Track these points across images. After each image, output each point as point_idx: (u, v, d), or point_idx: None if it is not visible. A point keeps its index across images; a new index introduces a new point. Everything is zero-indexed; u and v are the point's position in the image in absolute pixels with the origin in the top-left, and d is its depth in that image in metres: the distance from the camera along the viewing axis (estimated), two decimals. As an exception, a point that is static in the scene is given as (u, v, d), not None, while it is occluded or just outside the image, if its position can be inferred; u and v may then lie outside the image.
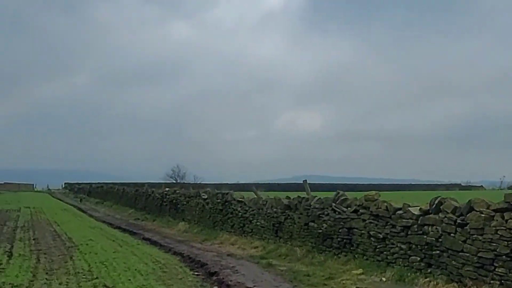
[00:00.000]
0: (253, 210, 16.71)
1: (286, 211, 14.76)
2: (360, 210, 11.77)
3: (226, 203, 18.71)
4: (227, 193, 19.25)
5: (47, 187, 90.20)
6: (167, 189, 27.22)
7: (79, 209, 35.99)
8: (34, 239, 16.39)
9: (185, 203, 23.20)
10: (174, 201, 24.77)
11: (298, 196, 14.50)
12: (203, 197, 21.06)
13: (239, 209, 17.67)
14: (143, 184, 40.64)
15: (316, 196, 13.97)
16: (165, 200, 26.24)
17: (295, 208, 14.39)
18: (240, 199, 17.96)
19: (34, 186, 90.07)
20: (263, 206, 16.18)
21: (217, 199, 19.49)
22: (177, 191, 25.02)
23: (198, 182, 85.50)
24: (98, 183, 61.64)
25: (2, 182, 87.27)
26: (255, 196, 17.42)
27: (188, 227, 21.18)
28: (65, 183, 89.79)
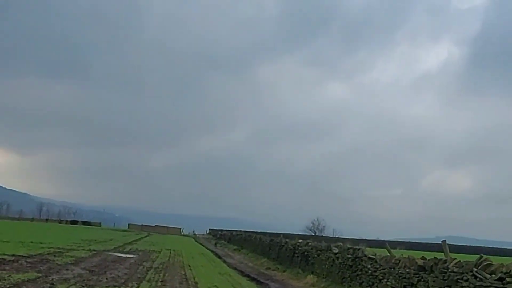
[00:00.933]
0: (384, 269, 15.40)
1: (420, 273, 13.27)
2: (507, 279, 10.03)
3: (356, 259, 17.58)
4: (358, 249, 18.13)
5: (193, 231, 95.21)
6: (300, 241, 26.68)
7: (216, 254, 36.94)
8: (161, 281, 16.86)
9: (315, 256, 22.41)
10: (305, 253, 24.10)
11: (435, 257, 12.99)
12: (333, 251, 20.12)
13: (369, 266, 16.44)
14: (280, 235, 40.66)
15: (456, 259, 12.36)
16: (297, 251, 25.69)
17: (430, 270, 12.87)
18: (372, 256, 16.74)
19: (182, 230, 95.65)
20: (395, 265, 14.82)
21: (348, 254, 18.44)
22: (309, 244, 24.34)
23: (336, 236, 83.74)
24: (239, 230, 63.25)
25: (153, 225, 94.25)
26: (388, 254, 16.10)
27: (316, 281, 20.29)
28: (209, 229, 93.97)
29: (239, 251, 43.49)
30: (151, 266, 22.63)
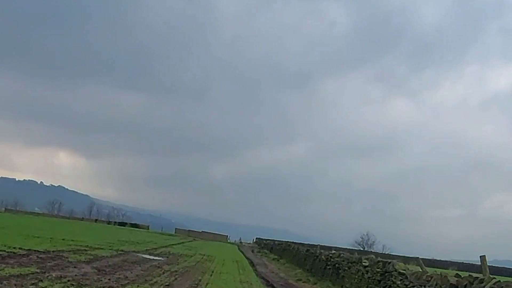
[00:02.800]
0: (413, 286, 13.33)
1: (452, 293, 11.21)
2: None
3: (386, 274, 15.54)
4: (389, 263, 16.06)
5: (240, 239, 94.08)
6: (333, 251, 24.68)
7: (251, 262, 35.38)
8: (167, 285, 15.50)
9: (346, 268, 20.42)
10: (336, 265, 22.13)
11: (470, 275, 10.90)
12: (363, 264, 18.11)
13: (398, 282, 14.39)
14: (323, 247, 38.58)
15: (495, 278, 10.23)
16: (329, 263, 23.73)
17: (464, 290, 10.80)
18: (402, 271, 14.67)
19: (228, 238, 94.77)
20: (426, 282, 12.74)
21: (377, 268, 16.41)
22: (342, 255, 22.33)
23: (386, 253, 79.94)
24: (282, 240, 61.38)
25: (200, 231, 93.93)
26: (421, 270, 14.00)
27: (343, 297, 18.35)
28: (256, 238, 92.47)
29: (278, 260, 41.72)
30: (171, 269, 21.38)
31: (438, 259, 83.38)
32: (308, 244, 51.88)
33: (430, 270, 15.09)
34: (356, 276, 18.46)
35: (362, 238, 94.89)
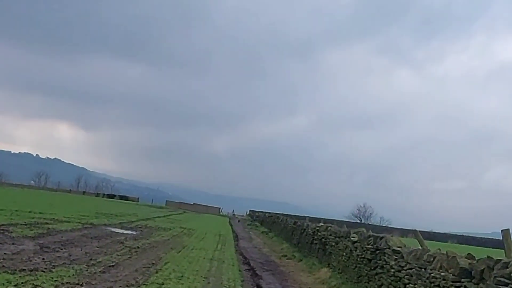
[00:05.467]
0: (411, 268, 10.60)
1: (462, 280, 8.46)
2: None
3: (378, 252, 12.83)
4: (381, 238, 13.31)
5: (232, 212, 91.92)
6: (320, 224, 22.01)
7: (236, 236, 32.88)
8: (112, 266, 12.77)
9: (333, 244, 17.76)
10: (323, 239, 19.50)
11: (488, 257, 8.09)
12: (352, 239, 15.40)
13: (392, 262, 11.67)
14: (312, 219, 36.02)
15: (522, 261, 7.46)
16: (315, 237, 21.11)
17: (480, 277, 8.02)
18: (397, 248, 11.90)
19: (221, 210, 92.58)
20: (427, 264, 10.01)
21: (367, 244, 13.69)
22: (329, 228, 19.63)
23: (383, 225, 77.91)
24: (273, 213, 58.99)
25: (192, 203, 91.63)
26: (420, 247, 11.25)
27: (329, 276, 15.71)
28: (249, 211, 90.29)
29: (267, 234, 39.28)
30: (134, 245, 18.73)
31: (437, 231, 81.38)
32: (298, 216, 49.44)
33: (428, 245, 12.46)
34: (344, 253, 15.80)
35: (359, 210, 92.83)
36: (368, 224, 78.11)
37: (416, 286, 10.10)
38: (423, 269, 10.04)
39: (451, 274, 8.77)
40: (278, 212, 67.17)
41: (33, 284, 9.02)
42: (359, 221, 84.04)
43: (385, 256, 12.22)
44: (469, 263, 8.45)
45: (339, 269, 15.90)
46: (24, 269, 10.49)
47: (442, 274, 9.10)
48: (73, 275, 10.56)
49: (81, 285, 9.64)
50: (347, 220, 79.45)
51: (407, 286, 10.53)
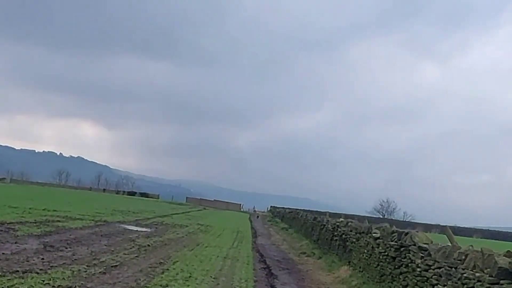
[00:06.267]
0: (439, 268, 9.50)
1: (501, 282, 7.35)
2: None
3: (402, 249, 11.72)
4: (406, 233, 12.18)
5: (253, 208, 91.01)
6: (340, 219, 20.91)
7: (254, 233, 31.95)
8: (115, 266, 11.92)
9: (354, 240, 16.67)
10: (343, 236, 18.43)
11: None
12: (374, 235, 14.29)
13: (418, 261, 10.56)
14: (332, 214, 34.90)
15: None
16: (335, 233, 20.04)
17: (523, 279, 6.93)
18: (424, 245, 10.77)
19: (241, 206, 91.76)
20: (458, 263, 8.91)
21: (391, 241, 12.59)
22: (350, 224, 18.52)
23: (407, 220, 76.14)
24: (294, 208, 57.89)
25: (212, 200, 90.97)
26: (450, 244, 10.14)
27: (349, 275, 14.66)
28: (270, 206, 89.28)
29: (287, 230, 38.27)
30: (145, 243, 17.93)
31: (462, 226, 79.24)
32: (318, 211, 48.20)
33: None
34: (365, 251, 14.71)
35: (382, 204, 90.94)
36: (391, 219, 76.46)
37: (446, 286, 9.01)
38: (453, 269, 8.94)
39: (487, 275, 7.67)
40: (299, 208, 66.00)
41: (18, 288, 8.19)
42: (381, 216, 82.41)
43: (410, 253, 11.12)
44: (510, 262, 7.33)
45: (360, 268, 14.83)
46: (17, 271, 9.71)
47: (477, 274, 8.00)
48: (69, 277, 9.74)
49: (74, 288, 8.80)
50: (369, 215, 77.89)
51: (435, 287, 9.44)
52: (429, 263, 9.97)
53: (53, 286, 8.72)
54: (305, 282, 13.59)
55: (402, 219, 79.94)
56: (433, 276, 9.62)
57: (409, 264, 10.95)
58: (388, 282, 11.99)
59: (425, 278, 9.94)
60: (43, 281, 8.97)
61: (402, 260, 11.42)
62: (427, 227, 63.09)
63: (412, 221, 76.59)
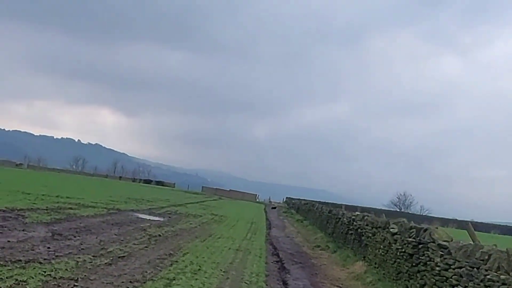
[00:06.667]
0: (460, 267, 8.96)
1: (529, 286, 6.82)
2: None
3: (420, 246, 11.18)
4: (425, 230, 11.64)
5: (269, 199, 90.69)
6: (356, 213, 20.37)
7: (269, 224, 31.57)
8: (122, 256, 11.57)
9: (370, 235, 16.14)
10: (359, 230, 17.90)
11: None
12: (391, 230, 13.75)
13: (437, 259, 10.03)
14: (354, 207, 34.34)
15: None
16: (351, 227, 19.52)
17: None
18: (443, 243, 10.22)
19: (257, 197, 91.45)
20: (480, 263, 8.38)
21: (409, 237, 12.05)
22: (366, 217, 17.98)
23: (423, 214, 75.08)
24: (309, 200, 57.35)
25: (228, 189, 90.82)
26: (471, 241, 9.58)
27: (364, 271, 14.16)
28: (286, 198, 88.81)
29: (302, 222, 37.81)
30: (157, 232, 17.63)
31: (479, 221, 77.83)
32: (334, 204, 47.52)
33: (466, 235, 10.76)
34: (382, 246, 14.18)
35: (399, 198, 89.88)
36: (408, 213, 75.49)
37: (467, 288, 8.48)
38: (475, 269, 8.41)
39: (513, 278, 7.14)
40: (314, 200, 65.40)
41: (16, 279, 7.87)
42: (398, 210, 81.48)
43: (429, 251, 10.58)
44: (539, 266, 6.79)
45: (375, 264, 14.33)
46: (20, 260, 9.43)
47: (502, 277, 7.47)
48: (72, 268, 9.42)
49: (76, 280, 8.46)
50: (386, 208, 77.00)
51: (455, 287, 8.91)
52: (449, 262, 9.44)
53: (54, 277, 8.39)
54: (317, 278, 13.14)
55: (418, 213, 79.02)
56: (453, 276, 9.09)
57: (428, 262, 10.42)
58: (405, 280, 11.48)
59: (445, 278, 9.42)
60: (45, 272, 8.65)
61: (420, 257, 10.89)
62: (444, 222, 61.98)
63: (429, 215, 75.51)
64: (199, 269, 11.31)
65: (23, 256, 9.99)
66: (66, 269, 9.18)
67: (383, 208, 75.68)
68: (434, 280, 9.84)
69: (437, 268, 9.83)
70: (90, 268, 9.62)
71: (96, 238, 14.22)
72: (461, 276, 8.80)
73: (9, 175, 47.01)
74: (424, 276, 10.41)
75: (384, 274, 13.09)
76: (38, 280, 8.03)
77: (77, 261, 10.06)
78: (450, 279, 9.18)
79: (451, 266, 9.29)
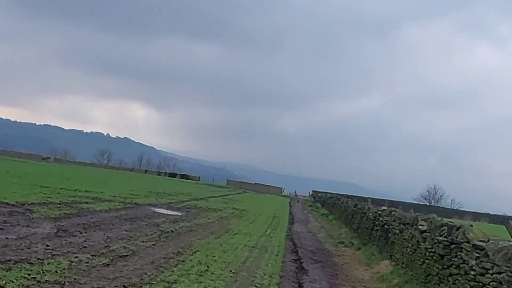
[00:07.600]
0: (500, 273, 7.76)
1: None
2: None
3: (453, 246, 9.95)
4: (458, 228, 10.37)
5: (295, 192, 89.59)
6: (383, 208, 19.12)
7: (292, 219, 30.53)
8: (124, 255, 10.68)
9: (397, 232, 14.93)
10: (385, 226, 16.70)
11: None
12: (420, 227, 12.52)
13: (473, 262, 8.81)
14: (381, 201, 33.07)
15: None
16: (376, 223, 18.32)
17: None
18: (479, 243, 8.98)
19: (282, 190, 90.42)
20: (524, 268, 7.17)
21: (439, 236, 10.82)
22: (393, 213, 16.73)
23: (454, 208, 72.76)
24: (335, 193, 56.03)
25: (253, 183, 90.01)
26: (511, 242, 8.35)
27: (389, 272, 13.01)
28: (312, 191, 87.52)
29: (327, 216, 36.65)
30: (170, 228, 16.81)
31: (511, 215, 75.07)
32: (361, 197, 46.04)
33: (498, 229, 9.53)
34: (410, 245, 12.98)
35: (429, 191, 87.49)
36: (438, 206, 73.26)
37: (508, 298, 7.28)
38: (518, 275, 7.20)
39: None
40: (341, 193, 63.90)
41: (-7, 283, 7.04)
42: (428, 204, 79.24)
43: (462, 252, 9.36)
44: None
45: (402, 263, 13.14)
46: (9, 261, 8.64)
47: (552, 287, 6.26)
48: (63, 269, 8.56)
49: (62, 284, 7.59)
50: (415, 202, 75.00)
51: (494, 296, 7.72)
52: (487, 266, 8.23)
53: (38, 281, 7.53)
54: (338, 280, 12.04)
55: (449, 207, 76.69)
56: (491, 283, 7.89)
57: (461, 265, 9.21)
58: (435, 284, 10.29)
59: (481, 284, 8.22)
60: (29, 274, 7.81)
61: (452, 259, 9.68)
62: (476, 216, 59.90)
63: (460, 209, 73.21)
64: (206, 270, 10.35)
65: (16, 255, 9.23)
66: (56, 271, 8.34)
67: (413, 201, 73.74)
68: (469, 286, 8.65)
69: (472, 273, 8.62)
70: (83, 270, 8.77)
71: (104, 234, 13.46)
72: (500, 283, 7.61)
73: (33, 168, 47.06)
74: (457, 281, 9.21)
75: (411, 275, 11.91)
76: (18, 285, 7.18)
77: (72, 262, 9.22)
78: (488, 286, 7.98)
79: (489, 271, 8.08)
